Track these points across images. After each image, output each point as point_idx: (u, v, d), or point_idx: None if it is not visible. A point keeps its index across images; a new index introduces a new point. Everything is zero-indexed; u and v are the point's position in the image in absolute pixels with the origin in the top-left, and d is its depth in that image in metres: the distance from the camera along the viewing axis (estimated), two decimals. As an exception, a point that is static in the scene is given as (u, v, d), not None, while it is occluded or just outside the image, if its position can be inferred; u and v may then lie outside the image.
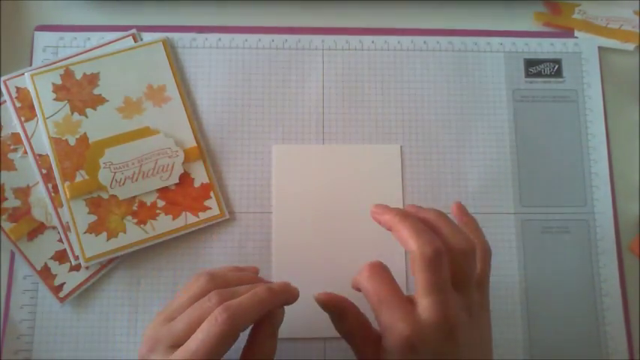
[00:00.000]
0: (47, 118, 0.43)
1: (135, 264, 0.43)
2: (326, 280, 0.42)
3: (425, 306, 0.29)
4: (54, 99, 0.43)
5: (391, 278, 0.32)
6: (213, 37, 0.47)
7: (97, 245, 0.41)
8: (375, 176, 0.44)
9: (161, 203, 0.43)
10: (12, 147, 0.43)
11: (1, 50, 0.46)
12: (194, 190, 0.43)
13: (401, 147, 0.45)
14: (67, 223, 0.42)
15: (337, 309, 0.33)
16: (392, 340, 0.29)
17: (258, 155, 0.45)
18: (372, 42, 0.47)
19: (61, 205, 0.42)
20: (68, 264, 0.42)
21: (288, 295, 0.33)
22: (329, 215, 0.43)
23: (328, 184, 0.44)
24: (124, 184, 0.42)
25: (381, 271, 0.32)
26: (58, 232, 0.42)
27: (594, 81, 0.47)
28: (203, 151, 0.44)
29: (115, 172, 0.42)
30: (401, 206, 0.44)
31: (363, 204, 0.43)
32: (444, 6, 0.49)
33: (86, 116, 0.43)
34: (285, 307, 0.35)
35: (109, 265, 0.42)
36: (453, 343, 0.29)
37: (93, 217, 0.42)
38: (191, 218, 0.43)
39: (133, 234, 0.42)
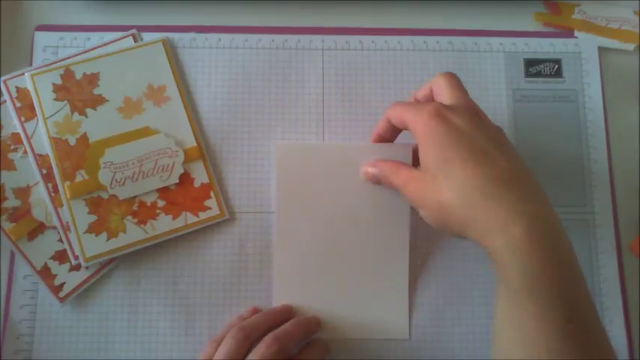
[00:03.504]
0: (47, 118, 0.43)
1: (135, 264, 0.43)
2: (327, 279, 0.42)
3: (449, 95, 0.35)
4: (54, 99, 0.43)
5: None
6: (213, 37, 0.47)
7: (97, 245, 0.41)
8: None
9: (161, 203, 0.43)
10: (12, 147, 0.43)
11: (1, 50, 0.46)
12: (194, 190, 0.43)
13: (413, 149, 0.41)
14: (67, 223, 0.42)
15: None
16: (423, 113, 0.33)
17: (258, 155, 0.45)
18: (372, 42, 0.47)
19: (61, 205, 0.42)
20: (68, 264, 0.42)
21: (316, 324, 0.40)
22: (331, 215, 0.42)
23: (331, 183, 0.42)
24: (124, 184, 0.42)
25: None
26: (58, 232, 0.42)
27: (594, 81, 0.47)
28: (203, 151, 0.44)
29: (115, 172, 0.42)
30: (408, 218, 0.42)
31: (366, 203, 0.42)
32: (444, 6, 0.49)
33: (86, 116, 0.43)
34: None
35: (109, 265, 0.42)
36: (481, 119, 0.34)
37: (93, 217, 0.42)
38: (191, 218, 0.43)
39: (133, 234, 0.42)
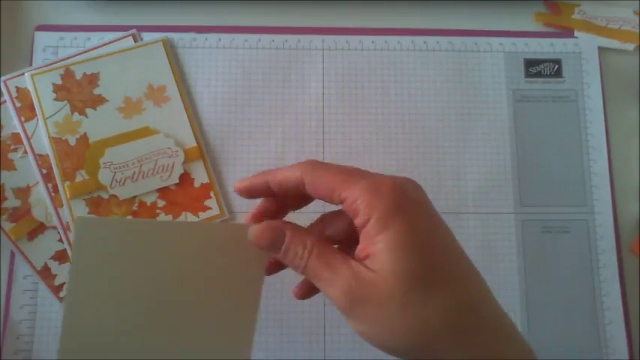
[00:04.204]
0: (47, 118, 0.43)
1: (135, 264, 0.43)
2: None
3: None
4: (54, 99, 0.43)
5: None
6: (213, 37, 0.47)
7: (97, 245, 0.41)
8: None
9: (161, 203, 0.43)
10: (12, 147, 0.43)
11: (1, 50, 0.46)
12: (194, 190, 0.43)
13: None
14: (67, 223, 0.42)
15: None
16: (381, 192, 0.23)
17: (258, 155, 0.45)
18: (372, 42, 0.47)
19: (61, 205, 0.42)
20: (68, 264, 0.42)
21: None
22: (143, 307, 0.28)
23: (147, 269, 0.27)
24: (124, 184, 0.42)
25: (315, 163, 0.26)
26: (58, 232, 0.42)
27: (594, 81, 0.47)
28: (203, 151, 0.44)
29: (115, 172, 0.42)
30: (255, 310, 0.28)
31: (195, 292, 0.28)
32: (444, 6, 0.49)
33: (86, 116, 0.43)
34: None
35: (109, 265, 0.42)
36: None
37: (93, 217, 0.42)
38: (191, 218, 0.43)
39: (133, 234, 0.42)
